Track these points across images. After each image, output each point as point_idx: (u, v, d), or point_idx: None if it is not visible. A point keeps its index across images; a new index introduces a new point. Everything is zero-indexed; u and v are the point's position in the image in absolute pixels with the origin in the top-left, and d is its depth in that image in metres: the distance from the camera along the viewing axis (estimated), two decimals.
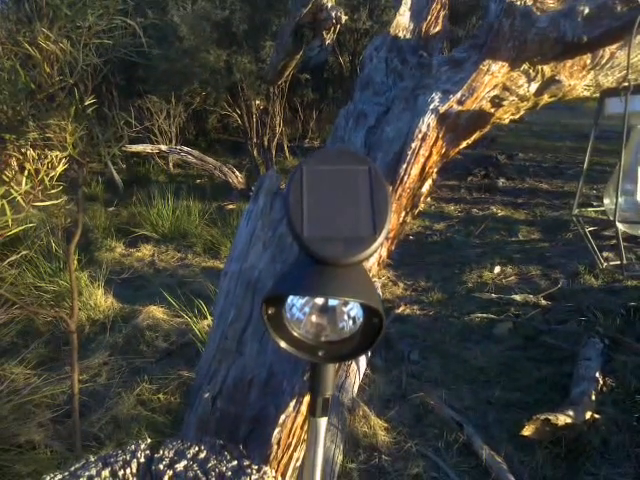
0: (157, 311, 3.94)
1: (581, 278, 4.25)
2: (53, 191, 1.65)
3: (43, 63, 1.68)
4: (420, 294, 4.33)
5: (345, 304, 0.82)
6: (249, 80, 6.45)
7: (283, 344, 0.82)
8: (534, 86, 1.21)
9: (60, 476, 0.87)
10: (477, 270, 4.63)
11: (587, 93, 1.33)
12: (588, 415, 2.55)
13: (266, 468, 0.88)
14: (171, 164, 9.07)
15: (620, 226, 1.09)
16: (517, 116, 1.30)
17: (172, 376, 3.07)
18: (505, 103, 1.19)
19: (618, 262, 1.20)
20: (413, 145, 1.12)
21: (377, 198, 0.78)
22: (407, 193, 1.14)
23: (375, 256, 1.16)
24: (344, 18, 1.62)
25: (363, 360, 3.25)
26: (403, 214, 1.19)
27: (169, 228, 5.86)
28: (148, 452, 0.90)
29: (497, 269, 4.62)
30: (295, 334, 0.83)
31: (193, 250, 5.46)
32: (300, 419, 1.01)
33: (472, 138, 1.24)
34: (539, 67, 1.18)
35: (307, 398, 1.01)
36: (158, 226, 5.87)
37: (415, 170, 1.14)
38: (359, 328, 0.82)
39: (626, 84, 0.99)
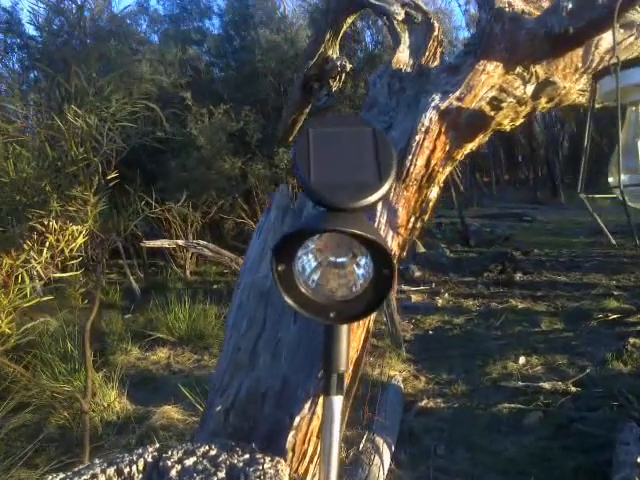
0: (172, 411, 3.82)
1: (609, 364, 4.09)
2: (72, 262, 1.66)
3: (71, 142, 1.76)
4: (443, 387, 4.18)
5: (354, 257, 0.81)
6: (263, 185, 6.67)
7: (293, 304, 0.80)
8: (530, 88, 1.25)
9: (62, 475, 0.83)
10: (501, 361, 4.49)
11: (582, 99, 1.36)
12: None
13: (279, 459, 0.81)
14: (188, 272, 9.16)
15: (628, 201, 1.06)
16: (517, 122, 1.33)
17: None
18: (504, 105, 1.23)
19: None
20: (417, 137, 1.15)
21: (382, 152, 0.80)
22: (414, 184, 1.14)
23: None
24: (349, 66, 1.71)
25: (387, 454, 3.09)
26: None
27: (185, 330, 5.82)
28: (156, 453, 0.85)
29: (522, 360, 4.48)
30: (305, 293, 0.81)
31: (209, 351, 5.39)
32: (316, 422, 0.95)
33: (475, 141, 1.25)
34: (533, 70, 1.24)
35: (322, 399, 0.95)
36: (174, 329, 5.84)
37: (420, 161, 1.14)
38: (370, 283, 0.80)
39: (615, 60, 1.02)
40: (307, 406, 0.96)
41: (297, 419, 0.95)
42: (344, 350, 0.84)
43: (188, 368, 5.02)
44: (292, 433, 0.94)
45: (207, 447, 0.85)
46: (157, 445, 0.88)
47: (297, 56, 6.75)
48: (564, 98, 1.32)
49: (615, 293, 6.00)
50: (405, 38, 1.33)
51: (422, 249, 9.24)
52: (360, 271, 0.81)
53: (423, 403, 3.89)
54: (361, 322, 1.05)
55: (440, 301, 6.56)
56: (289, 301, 0.80)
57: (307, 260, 0.81)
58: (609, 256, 7.94)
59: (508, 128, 1.32)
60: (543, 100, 1.29)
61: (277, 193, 1.29)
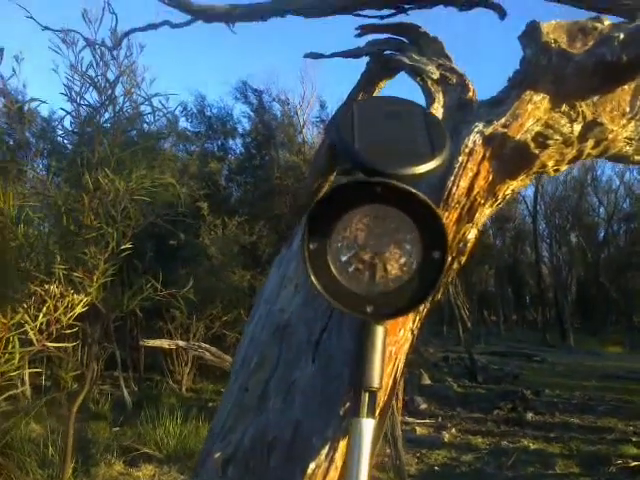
0: None
1: None
2: (68, 331, 1.56)
3: (88, 212, 1.72)
4: None
5: (400, 240, 0.67)
6: None
7: (323, 291, 0.67)
8: (577, 127, 1.19)
9: None
10: None
11: (630, 149, 1.30)
12: None
13: None
14: (184, 387, 8.83)
15: None
16: (562, 167, 1.25)
17: None
18: (550, 143, 1.16)
19: None
20: (460, 159, 1.06)
21: (433, 129, 0.71)
22: (456, 208, 1.02)
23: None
24: None
25: None
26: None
27: (174, 447, 5.46)
28: None
29: None
30: (339, 279, 0.67)
31: None
32: (333, 474, 0.76)
33: (517, 179, 1.17)
34: (580, 109, 1.19)
35: (343, 443, 0.76)
36: (163, 445, 5.49)
37: (464, 183, 1.04)
38: (416, 270, 0.67)
39: None
40: (324, 452, 0.79)
41: (312, 466, 0.77)
42: (378, 362, 0.69)
43: None
44: None
45: None
46: None
47: None
48: (611, 144, 1.27)
49: (634, 439, 5.65)
50: (439, 97, 1.31)
51: (428, 381, 8.92)
52: (405, 256, 0.68)
53: None
54: (392, 353, 0.91)
55: (447, 436, 6.19)
56: (319, 287, 0.67)
57: (344, 240, 0.68)
58: (623, 401, 7.60)
59: (552, 172, 1.25)
60: (589, 144, 1.24)
61: (300, 226, 1.21)
